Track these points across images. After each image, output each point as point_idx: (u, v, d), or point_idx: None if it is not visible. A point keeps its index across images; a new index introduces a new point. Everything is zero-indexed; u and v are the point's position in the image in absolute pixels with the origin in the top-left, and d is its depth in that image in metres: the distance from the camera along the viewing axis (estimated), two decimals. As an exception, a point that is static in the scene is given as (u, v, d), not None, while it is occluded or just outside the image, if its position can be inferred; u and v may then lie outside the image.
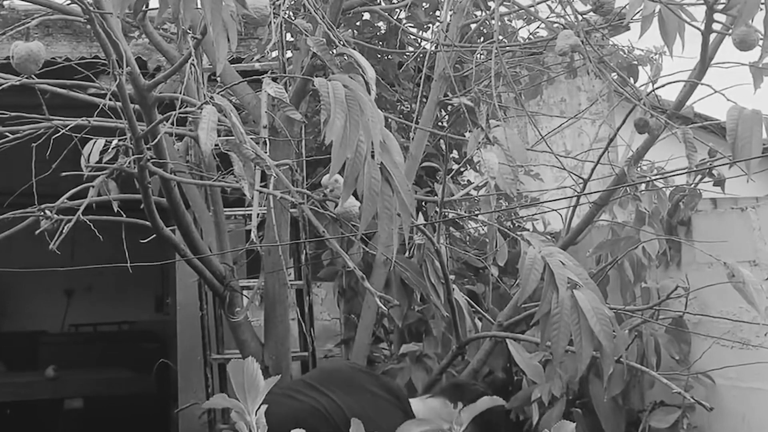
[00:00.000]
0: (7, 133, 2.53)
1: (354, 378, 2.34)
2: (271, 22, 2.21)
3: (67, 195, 2.46)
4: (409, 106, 4.43)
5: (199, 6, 1.77)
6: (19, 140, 2.54)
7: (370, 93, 1.92)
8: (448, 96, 3.44)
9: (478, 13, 3.95)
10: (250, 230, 2.11)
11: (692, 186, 3.53)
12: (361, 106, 1.83)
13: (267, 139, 2.26)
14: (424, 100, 3.43)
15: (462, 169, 4.16)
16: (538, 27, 4.07)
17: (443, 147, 4.04)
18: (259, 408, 1.16)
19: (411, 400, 2.35)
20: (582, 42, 2.56)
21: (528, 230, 4.52)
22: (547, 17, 3.22)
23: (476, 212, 3.57)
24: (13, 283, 9.08)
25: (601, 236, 3.63)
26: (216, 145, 1.99)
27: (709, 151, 3.20)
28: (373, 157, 1.82)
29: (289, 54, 3.52)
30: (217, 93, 2.10)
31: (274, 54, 3.45)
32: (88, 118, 2.54)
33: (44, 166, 2.47)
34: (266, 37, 3.82)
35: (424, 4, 4.38)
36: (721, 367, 3.25)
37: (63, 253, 2.30)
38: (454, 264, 3.99)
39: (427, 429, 1.14)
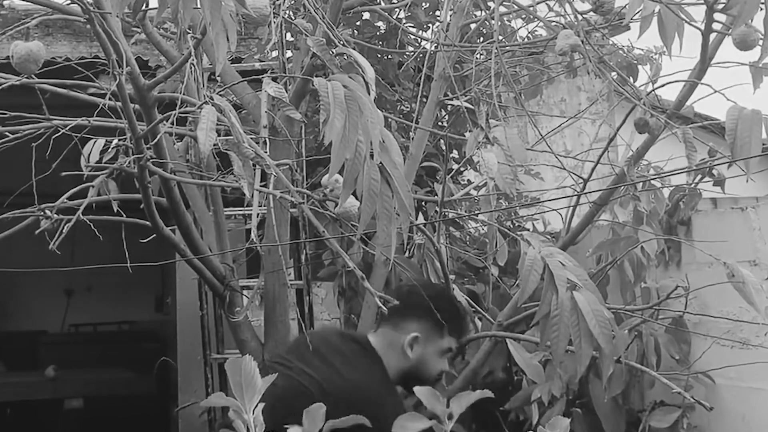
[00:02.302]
0: (7, 133, 2.53)
1: (325, 344, 2.43)
2: (271, 22, 2.21)
3: (67, 195, 2.46)
4: (409, 106, 4.43)
5: (199, 6, 1.78)
6: (19, 140, 2.54)
7: (369, 93, 1.92)
8: (448, 96, 3.44)
9: (478, 13, 3.95)
10: (250, 230, 2.11)
11: (692, 186, 3.53)
12: (360, 106, 1.83)
13: (267, 139, 2.26)
14: (424, 100, 3.43)
15: (462, 169, 4.16)
16: (536, 26, 4.07)
17: (443, 147, 4.04)
18: (256, 406, 1.16)
19: (369, 337, 2.49)
20: (582, 42, 2.56)
21: (528, 230, 4.52)
22: (547, 17, 3.22)
23: (476, 212, 3.57)
24: (14, 283, 9.08)
25: (601, 236, 3.63)
26: (216, 145, 1.99)
27: (709, 151, 3.20)
28: (372, 157, 1.83)
29: (289, 54, 3.52)
30: (217, 93, 2.11)
31: (274, 54, 3.45)
32: (88, 118, 2.54)
33: (44, 166, 2.47)
34: (266, 37, 3.82)
35: (424, 4, 4.37)
36: (721, 366, 3.25)
37: (63, 253, 2.30)
38: (454, 264, 3.99)
39: (424, 426, 1.15)
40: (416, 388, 1.30)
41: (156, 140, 2.21)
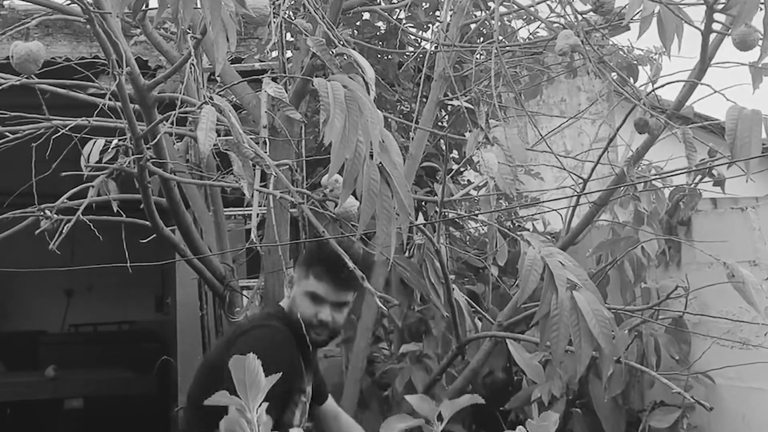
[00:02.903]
0: (7, 133, 2.53)
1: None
2: (271, 22, 2.21)
3: (67, 195, 2.46)
4: (409, 106, 4.43)
5: (199, 6, 1.77)
6: (19, 140, 2.54)
7: (369, 93, 1.92)
8: (448, 96, 3.44)
9: (478, 13, 3.95)
10: (250, 230, 2.11)
11: (692, 186, 3.54)
12: (360, 106, 1.83)
13: (267, 139, 2.26)
14: (424, 100, 3.43)
15: (462, 169, 4.16)
16: (538, 27, 4.07)
17: (443, 147, 4.04)
18: (260, 405, 1.15)
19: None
20: (582, 42, 2.56)
21: (528, 230, 4.53)
22: (547, 17, 3.22)
23: (476, 212, 3.57)
24: (14, 283, 9.08)
25: (601, 236, 3.63)
26: (216, 145, 1.99)
27: (709, 151, 3.20)
28: (372, 157, 1.82)
29: (289, 54, 3.52)
30: (217, 93, 2.11)
31: (274, 54, 3.45)
32: (88, 118, 2.54)
33: (44, 166, 2.47)
34: (266, 37, 3.82)
35: (424, 4, 4.37)
36: (721, 367, 3.25)
37: (63, 253, 2.30)
38: (454, 264, 3.99)
39: (410, 424, 1.15)
40: (408, 396, 1.31)
41: (156, 140, 2.21)
